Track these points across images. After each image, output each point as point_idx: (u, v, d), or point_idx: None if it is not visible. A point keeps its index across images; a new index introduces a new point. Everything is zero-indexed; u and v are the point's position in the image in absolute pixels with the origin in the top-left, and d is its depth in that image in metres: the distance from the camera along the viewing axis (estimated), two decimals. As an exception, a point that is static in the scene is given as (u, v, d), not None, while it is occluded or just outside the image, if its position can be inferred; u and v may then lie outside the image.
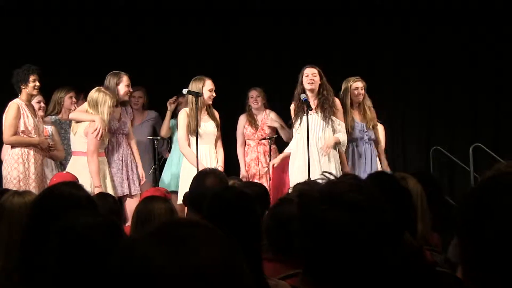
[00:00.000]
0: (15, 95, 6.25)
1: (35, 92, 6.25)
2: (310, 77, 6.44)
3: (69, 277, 1.80)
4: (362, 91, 6.79)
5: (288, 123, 7.04)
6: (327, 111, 6.43)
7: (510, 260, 1.25)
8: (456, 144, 9.19)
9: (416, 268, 2.10)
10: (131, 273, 1.08)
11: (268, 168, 6.97)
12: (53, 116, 7.17)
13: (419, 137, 9.40)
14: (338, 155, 6.54)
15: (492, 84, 9.13)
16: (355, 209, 1.52)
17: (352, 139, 6.79)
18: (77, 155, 6.22)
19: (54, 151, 6.68)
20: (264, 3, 9.37)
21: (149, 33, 9.31)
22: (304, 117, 6.32)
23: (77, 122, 6.28)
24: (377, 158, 6.85)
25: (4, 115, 6.16)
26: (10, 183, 5.95)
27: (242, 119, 7.62)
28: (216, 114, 6.69)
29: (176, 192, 6.71)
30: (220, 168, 6.33)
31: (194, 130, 6.36)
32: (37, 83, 6.18)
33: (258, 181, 7.04)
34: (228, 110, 8.09)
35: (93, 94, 6.21)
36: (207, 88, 6.47)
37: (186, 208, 4.03)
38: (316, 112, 6.41)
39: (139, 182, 6.53)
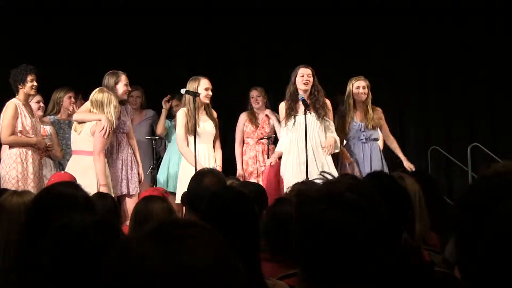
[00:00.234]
0: (13, 95, 6.24)
1: (32, 92, 6.24)
2: (306, 77, 6.43)
3: (65, 276, 1.80)
4: (364, 90, 6.77)
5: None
6: (319, 111, 6.43)
7: (510, 260, 1.25)
8: (454, 144, 9.20)
9: (414, 268, 2.10)
10: (126, 272, 1.08)
11: (265, 167, 6.97)
12: (52, 116, 7.17)
13: (417, 137, 9.41)
14: (339, 153, 6.58)
15: (489, 84, 9.14)
16: (353, 209, 1.52)
17: (347, 138, 6.81)
18: (81, 154, 6.17)
19: (53, 151, 6.68)
20: (264, 3, 9.38)
21: (148, 33, 9.31)
22: (298, 117, 6.36)
23: (80, 122, 6.26)
24: (381, 158, 6.82)
25: (1, 115, 6.15)
26: (9, 183, 5.94)
27: (243, 117, 7.64)
28: (215, 114, 6.69)
29: (172, 193, 6.72)
30: (218, 168, 6.33)
31: (192, 129, 6.36)
32: (35, 83, 6.17)
33: (256, 180, 7.07)
34: (227, 111, 8.10)
35: (97, 95, 6.19)
36: (202, 87, 6.47)
37: (184, 207, 4.03)
38: (310, 113, 6.40)
39: (139, 182, 6.53)
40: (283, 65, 6.62)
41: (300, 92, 6.43)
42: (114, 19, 9.21)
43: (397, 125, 9.30)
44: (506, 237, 1.26)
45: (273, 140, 7.49)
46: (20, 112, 6.14)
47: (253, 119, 7.55)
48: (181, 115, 6.53)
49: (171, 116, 7.89)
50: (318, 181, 1.68)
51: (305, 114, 6.26)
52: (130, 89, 6.71)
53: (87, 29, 9.10)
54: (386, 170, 6.50)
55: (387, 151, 7.29)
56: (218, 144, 6.70)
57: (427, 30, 9.16)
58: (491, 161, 7.60)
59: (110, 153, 6.38)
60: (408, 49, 9.24)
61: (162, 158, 7.84)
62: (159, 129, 7.73)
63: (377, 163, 6.69)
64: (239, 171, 7.44)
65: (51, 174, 6.34)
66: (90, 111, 6.21)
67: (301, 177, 6.02)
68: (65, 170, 6.20)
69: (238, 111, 7.82)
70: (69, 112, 7.21)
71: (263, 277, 2.42)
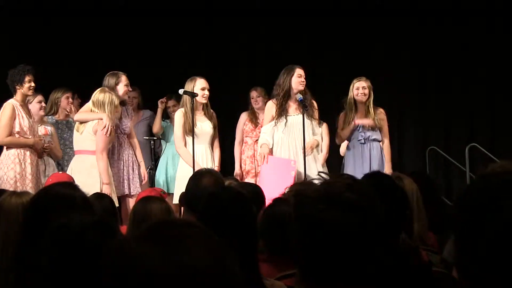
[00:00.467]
0: (11, 95, 6.23)
1: (30, 92, 6.23)
2: (302, 78, 6.41)
3: (64, 276, 1.80)
4: (364, 91, 6.75)
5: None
6: (309, 111, 6.41)
7: (509, 260, 1.25)
8: (452, 144, 9.21)
9: (412, 268, 2.10)
10: (125, 272, 1.08)
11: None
12: (50, 117, 7.17)
13: (415, 137, 9.42)
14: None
15: (488, 85, 9.15)
16: (352, 209, 1.53)
17: (348, 139, 6.83)
18: (84, 153, 6.16)
19: (54, 150, 6.69)
20: (264, 3, 9.39)
21: (147, 33, 9.30)
22: (290, 118, 6.30)
23: (82, 122, 6.26)
24: (380, 159, 6.81)
25: (-1, 116, 6.15)
26: (7, 184, 5.94)
27: (243, 117, 7.65)
28: (214, 114, 6.69)
29: (171, 194, 6.73)
30: (216, 168, 6.33)
31: (190, 130, 6.36)
32: (32, 84, 6.16)
33: (253, 179, 7.07)
34: (227, 111, 8.10)
35: (98, 95, 6.19)
36: (198, 87, 6.45)
37: (181, 208, 4.03)
38: (301, 113, 6.36)
39: (140, 182, 6.53)
40: (283, 65, 6.59)
41: (295, 92, 6.39)
42: (113, 19, 9.21)
43: (396, 125, 9.30)
44: (506, 238, 1.26)
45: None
46: (18, 113, 6.13)
47: (254, 119, 7.57)
48: (178, 115, 6.53)
49: (166, 116, 7.92)
50: (316, 181, 1.68)
51: (303, 114, 6.25)
52: (130, 89, 6.72)
53: (87, 29, 9.10)
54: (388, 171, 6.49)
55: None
56: (216, 144, 6.69)
57: (426, 30, 9.17)
58: (489, 161, 7.60)
59: (112, 153, 6.38)
60: (408, 49, 9.24)
61: (160, 158, 7.86)
62: (155, 128, 7.79)
63: (376, 164, 6.68)
64: (236, 171, 7.45)
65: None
66: (91, 111, 6.22)
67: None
68: (69, 170, 6.22)
69: (238, 111, 7.82)
70: (67, 112, 7.21)
71: (261, 277, 2.42)
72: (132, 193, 6.39)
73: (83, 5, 9.08)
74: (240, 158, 7.55)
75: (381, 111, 6.87)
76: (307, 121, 6.33)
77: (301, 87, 6.39)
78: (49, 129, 6.87)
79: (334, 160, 7.80)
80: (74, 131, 6.34)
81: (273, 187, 5.85)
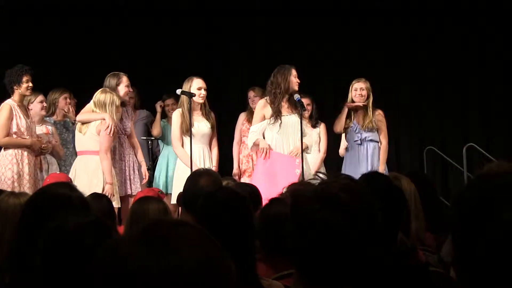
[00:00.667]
0: (8, 95, 6.22)
1: (28, 92, 6.23)
2: (297, 78, 6.39)
3: (59, 276, 1.80)
4: (362, 92, 6.75)
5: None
6: (300, 111, 6.39)
7: (507, 259, 1.25)
8: (449, 144, 9.21)
9: (409, 268, 2.10)
10: (114, 272, 1.08)
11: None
12: (48, 118, 7.15)
13: (412, 137, 9.42)
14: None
15: (484, 85, 9.16)
16: (347, 209, 1.53)
17: (347, 140, 6.84)
18: (87, 154, 6.17)
19: (57, 149, 6.69)
20: (264, 3, 9.39)
21: (147, 33, 9.30)
22: (284, 118, 6.27)
23: (84, 123, 6.26)
24: (378, 159, 6.81)
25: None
26: (4, 184, 5.93)
27: (242, 117, 7.66)
28: (212, 114, 6.68)
29: (169, 194, 6.73)
30: (214, 168, 6.33)
31: (187, 130, 6.36)
32: (30, 84, 6.16)
33: (249, 178, 7.06)
34: (227, 111, 8.11)
35: (100, 95, 6.20)
36: (195, 87, 6.45)
37: (179, 208, 4.02)
38: (293, 113, 6.35)
39: (141, 182, 6.55)
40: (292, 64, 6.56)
41: (291, 92, 6.35)
42: (113, 19, 9.20)
43: (393, 125, 9.31)
44: (504, 238, 1.26)
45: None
46: (15, 113, 6.12)
47: (251, 119, 7.55)
48: (176, 115, 6.54)
49: (164, 115, 7.92)
50: (314, 182, 1.68)
51: (300, 114, 6.25)
52: (131, 90, 6.71)
53: (82, 29, 9.08)
54: (386, 171, 6.48)
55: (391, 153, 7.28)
56: (214, 143, 6.69)
57: (425, 30, 9.17)
58: (487, 161, 7.60)
59: (113, 154, 6.39)
60: (407, 49, 9.25)
61: (158, 158, 7.85)
62: (155, 131, 7.79)
63: (373, 165, 6.67)
64: (234, 170, 7.46)
65: (58, 173, 6.38)
66: (93, 112, 6.23)
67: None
68: (72, 170, 6.24)
69: (238, 111, 7.83)
70: (65, 112, 7.21)
71: (259, 277, 2.42)
72: (133, 193, 6.41)
73: (82, 5, 9.06)
74: (238, 157, 7.56)
75: (379, 112, 6.87)
76: (298, 121, 6.30)
77: (296, 87, 6.37)
78: (50, 128, 6.87)
79: (333, 160, 7.81)
80: (76, 131, 6.35)
81: (275, 182, 5.83)
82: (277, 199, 3.07)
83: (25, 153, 6.14)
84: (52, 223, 1.90)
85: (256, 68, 9.21)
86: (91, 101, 6.25)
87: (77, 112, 6.84)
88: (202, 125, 6.55)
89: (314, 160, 7.09)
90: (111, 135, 6.09)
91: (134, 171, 6.51)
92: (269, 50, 9.38)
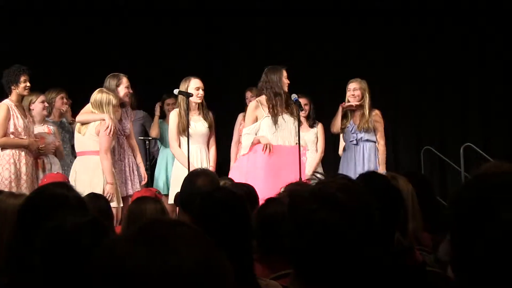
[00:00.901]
0: (5, 95, 6.21)
1: (25, 92, 6.22)
2: (287, 79, 6.38)
3: (57, 276, 1.80)
4: (355, 92, 6.76)
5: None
6: (294, 111, 6.39)
7: (505, 259, 1.25)
8: (447, 144, 9.22)
9: (406, 268, 2.10)
10: (111, 272, 1.08)
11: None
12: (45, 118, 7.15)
13: (410, 137, 9.43)
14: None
15: (484, 85, 9.17)
16: (345, 209, 1.53)
17: (344, 140, 6.85)
18: (87, 154, 6.17)
19: (60, 149, 6.68)
20: (264, 3, 9.39)
21: (147, 33, 9.29)
22: (280, 117, 6.23)
23: (83, 124, 6.26)
24: (374, 160, 6.81)
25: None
26: (2, 184, 5.93)
27: (240, 117, 7.65)
28: (210, 114, 6.68)
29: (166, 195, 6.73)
30: (211, 168, 6.32)
31: (184, 130, 6.36)
32: (28, 84, 6.16)
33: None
34: (226, 111, 8.10)
35: (96, 95, 6.20)
36: (192, 87, 6.45)
37: (177, 208, 4.02)
38: (287, 112, 6.34)
39: (140, 183, 6.55)
40: (282, 65, 6.56)
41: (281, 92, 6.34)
42: (113, 19, 9.20)
43: (391, 125, 9.31)
44: (502, 238, 1.26)
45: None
46: (13, 113, 6.12)
47: None
48: (173, 115, 6.54)
49: (163, 115, 7.92)
50: (311, 182, 1.68)
51: (298, 114, 6.24)
52: (131, 91, 6.71)
53: (80, 29, 9.08)
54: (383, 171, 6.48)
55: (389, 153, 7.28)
56: (212, 143, 6.69)
57: (423, 30, 9.18)
58: (484, 161, 7.61)
59: (113, 154, 6.39)
60: (406, 49, 9.25)
61: (155, 159, 7.85)
62: (154, 132, 7.77)
63: (369, 165, 6.67)
64: (232, 170, 7.45)
65: (61, 172, 6.38)
66: (92, 112, 6.23)
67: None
68: (72, 171, 6.24)
69: (238, 111, 7.82)
70: (62, 112, 7.20)
71: (256, 277, 2.42)
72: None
73: (81, 5, 9.05)
74: (236, 158, 7.55)
75: (376, 113, 6.87)
76: (295, 121, 6.29)
77: (286, 88, 6.36)
78: (52, 128, 6.86)
79: (330, 160, 7.81)
80: (76, 132, 6.35)
81: (279, 176, 5.80)
82: (274, 199, 3.07)
83: (23, 153, 6.14)
84: (49, 223, 1.90)
85: (256, 68, 9.18)
86: (89, 102, 6.26)
87: (73, 112, 6.83)
88: (199, 125, 6.55)
89: (312, 160, 7.10)
90: (110, 136, 6.09)
91: (133, 172, 6.52)
92: (269, 50, 9.37)
